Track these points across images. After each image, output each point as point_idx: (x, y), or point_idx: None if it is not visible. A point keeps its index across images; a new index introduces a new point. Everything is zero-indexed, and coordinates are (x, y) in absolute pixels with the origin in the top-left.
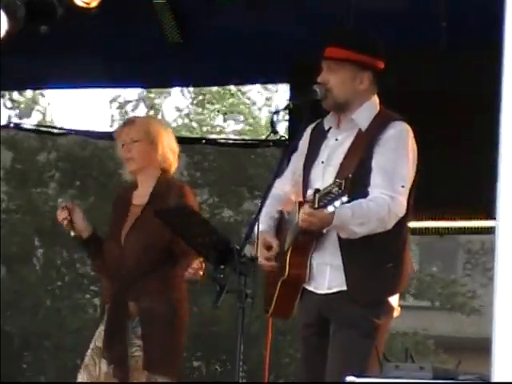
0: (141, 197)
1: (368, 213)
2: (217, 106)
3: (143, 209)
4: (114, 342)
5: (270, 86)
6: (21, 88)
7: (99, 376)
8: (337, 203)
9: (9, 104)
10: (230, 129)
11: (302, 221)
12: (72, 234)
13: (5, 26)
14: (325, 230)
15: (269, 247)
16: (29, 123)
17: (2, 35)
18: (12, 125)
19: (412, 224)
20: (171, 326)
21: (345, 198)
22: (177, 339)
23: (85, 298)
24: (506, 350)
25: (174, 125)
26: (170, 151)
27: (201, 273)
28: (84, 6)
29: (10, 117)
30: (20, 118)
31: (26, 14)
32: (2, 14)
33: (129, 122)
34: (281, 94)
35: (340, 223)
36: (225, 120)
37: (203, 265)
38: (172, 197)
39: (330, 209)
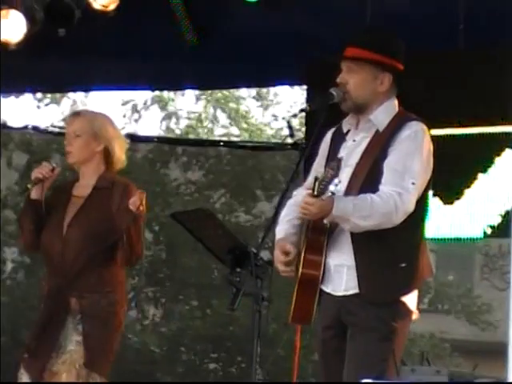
0: (82, 188)
1: (371, 207)
2: (230, 108)
3: (85, 200)
4: (43, 338)
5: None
6: (51, 91)
7: None
8: (331, 187)
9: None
10: (238, 133)
11: (302, 209)
12: (32, 191)
13: (23, 29)
14: (326, 221)
15: (286, 252)
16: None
17: (20, 38)
18: (30, 126)
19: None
20: (109, 326)
21: (336, 180)
22: (113, 339)
23: None
24: None
25: (186, 126)
26: (116, 147)
27: (142, 208)
28: (102, 9)
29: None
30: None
31: (44, 17)
32: (20, 16)
33: (74, 115)
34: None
35: (341, 214)
36: (236, 123)
37: (143, 199)
38: (115, 192)
39: (327, 194)
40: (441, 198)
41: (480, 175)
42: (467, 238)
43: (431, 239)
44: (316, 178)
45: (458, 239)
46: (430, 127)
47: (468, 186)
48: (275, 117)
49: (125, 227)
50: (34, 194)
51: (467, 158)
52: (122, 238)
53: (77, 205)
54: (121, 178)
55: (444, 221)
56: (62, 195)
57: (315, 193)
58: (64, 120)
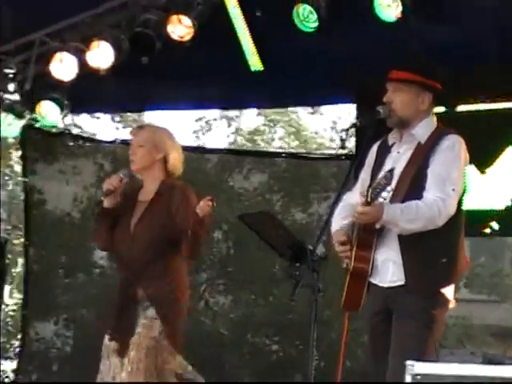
0: (146, 194)
1: (417, 212)
2: (286, 122)
3: (148, 204)
4: (121, 322)
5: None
6: (134, 110)
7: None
8: (384, 194)
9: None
10: (294, 144)
11: (356, 218)
12: (104, 201)
13: (111, 58)
14: (378, 225)
15: (342, 243)
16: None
17: (107, 65)
18: (118, 140)
19: None
20: (176, 308)
21: (389, 188)
22: (177, 322)
23: None
24: None
25: (249, 139)
26: (173, 157)
27: (209, 210)
28: (179, 39)
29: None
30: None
31: (129, 47)
32: (109, 46)
33: (138, 128)
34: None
35: (390, 219)
36: (292, 135)
37: (212, 203)
38: (175, 195)
39: (380, 200)
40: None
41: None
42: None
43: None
44: (369, 186)
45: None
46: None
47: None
48: (325, 129)
49: (190, 227)
50: (107, 203)
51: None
52: (186, 235)
53: (141, 208)
54: (180, 183)
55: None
56: (130, 201)
57: (368, 199)
58: (130, 132)
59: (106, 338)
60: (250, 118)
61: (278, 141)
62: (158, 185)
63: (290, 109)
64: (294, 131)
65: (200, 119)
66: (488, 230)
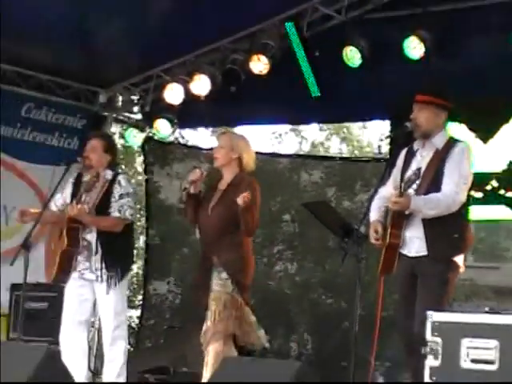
0: (223, 184)
1: (437, 202)
2: (340, 132)
3: (222, 192)
4: (202, 280)
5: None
6: (226, 125)
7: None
8: (414, 186)
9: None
10: (345, 150)
11: (391, 206)
12: (191, 189)
13: (208, 87)
14: (407, 212)
15: (376, 231)
16: None
17: (206, 93)
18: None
19: None
20: (243, 271)
21: (418, 181)
22: (246, 281)
23: None
24: None
25: (312, 146)
26: (246, 156)
27: (247, 200)
28: (258, 73)
29: None
30: None
31: (221, 79)
32: (206, 79)
33: (221, 134)
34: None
35: (415, 207)
36: (345, 143)
37: (248, 196)
38: (242, 187)
39: (410, 191)
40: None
41: None
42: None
43: None
44: (401, 181)
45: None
46: None
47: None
48: (369, 139)
49: (239, 213)
50: (192, 189)
51: None
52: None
53: (218, 195)
54: (248, 177)
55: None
56: (211, 189)
57: (402, 190)
58: (216, 137)
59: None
60: (313, 131)
61: (334, 148)
62: (232, 177)
63: (343, 124)
64: (347, 141)
65: (274, 132)
66: (489, 187)
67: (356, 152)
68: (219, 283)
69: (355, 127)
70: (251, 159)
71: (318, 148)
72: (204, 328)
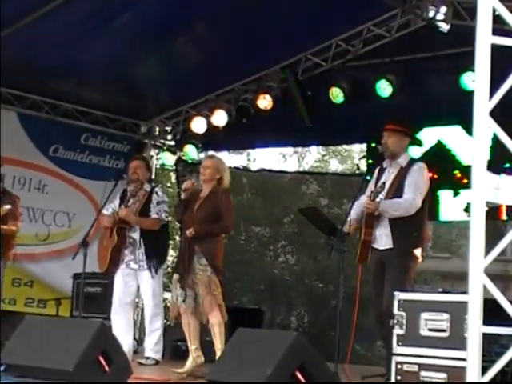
0: (204, 193)
1: (399, 205)
2: (331, 155)
3: (204, 199)
4: (184, 265)
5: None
6: (239, 149)
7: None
8: (380, 196)
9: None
10: (338, 168)
11: (365, 207)
12: (183, 195)
13: (225, 119)
14: (376, 213)
15: (351, 224)
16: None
17: (223, 124)
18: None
19: None
20: (217, 257)
21: (383, 192)
22: (219, 266)
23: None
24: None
25: (312, 166)
26: (225, 177)
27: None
28: (264, 108)
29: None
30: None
31: (235, 113)
32: (224, 113)
33: (207, 157)
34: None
35: (384, 209)
36: (339, 161)
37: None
38: (220, 194)
39: (377, 199)
40: None
41: None
42: None
43: None
44: (371, 192)
45: None
46: None
47: None
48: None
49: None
50: (184, 196)
51: None
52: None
53: (201, 200)
54: (223, 188)
55: None
56: (195, 196)
57: (372, 199)
58: (204, 158)
59: (175, 276)
60: (312, 152)
61: (332, 165)
62: (211, 188)
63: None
64: (340, 160)
65: (280, 153)
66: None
67: (349, 169)
68: (200, 268)
69: (344, 150)
70: (227, 178)
71: (317, 166)
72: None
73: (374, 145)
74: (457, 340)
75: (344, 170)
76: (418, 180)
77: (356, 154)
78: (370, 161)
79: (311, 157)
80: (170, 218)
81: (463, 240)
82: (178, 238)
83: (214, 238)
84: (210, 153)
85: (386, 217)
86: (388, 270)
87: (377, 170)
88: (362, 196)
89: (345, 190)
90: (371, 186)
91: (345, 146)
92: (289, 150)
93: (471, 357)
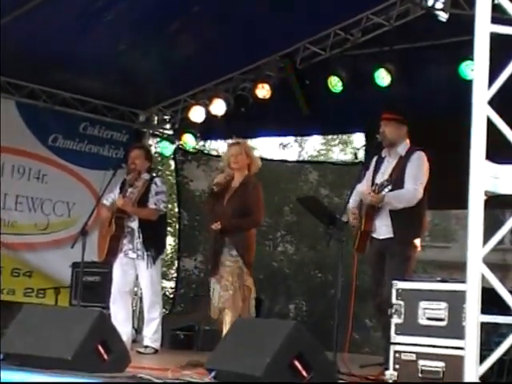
0: (235, 183)
1: (403, 196)
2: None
3: (235, 190)
4: (215, 256)
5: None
6: (238, 138)
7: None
8: (386, 189)
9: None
10: (336, 157)
11: (370, 200)
12: (215, 188)
13: (223, 108)
14: (380, 205)
15: (354, 213)
16: None
17: (222, 113)
18: None
19: None
20: (248, 250)
21: (389, 187)
22: (250, 256)
23: None
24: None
25: (311, 155)
26: (253, 162)
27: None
28: (262, 97)
29: None
30: None
31: (234, 102)
32: (222, 102)
33: (235, 144)
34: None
35: (387, 202)
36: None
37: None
38: (250, 186)
39: (383, 193)
40: None
41: None
42: None
43: None
44: (376, 184)
45: None
46: None
47: None
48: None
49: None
50: (216, 189)
51: None
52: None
53: (231, 191)
54: (254, 180)
55: None
56: (226, 187)
57: (376, 192)
58: (228, 145)
59: (212, 276)
60: (312, 141)
61: (331, 154)
62: (242, 178)
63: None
64: (340, 148)
65: (281, 143)
66: None
67: (349, 157)
68: (230, 259)
69: (346, 138)
70: (257, 163)
71: (318, 155)
72: (216, 295)
73: (373, 135)
74: (455, 329)
75: (344, 159)
76: (419, 169)
77: (356, 143)
78: (369, 150)
79: (311, 146)
80: (166, 209)
81: (462, 230)
82: (177, 226)
83: (245, 231)
84: (233, 140)
85: (386, 208)
86: (388, 259)
87: (375, 160)
88: (358, 185)
89: (345, 179)
90: (369, 176)
91: (345, 136)
92: (289, 139)
93: (469, 346)
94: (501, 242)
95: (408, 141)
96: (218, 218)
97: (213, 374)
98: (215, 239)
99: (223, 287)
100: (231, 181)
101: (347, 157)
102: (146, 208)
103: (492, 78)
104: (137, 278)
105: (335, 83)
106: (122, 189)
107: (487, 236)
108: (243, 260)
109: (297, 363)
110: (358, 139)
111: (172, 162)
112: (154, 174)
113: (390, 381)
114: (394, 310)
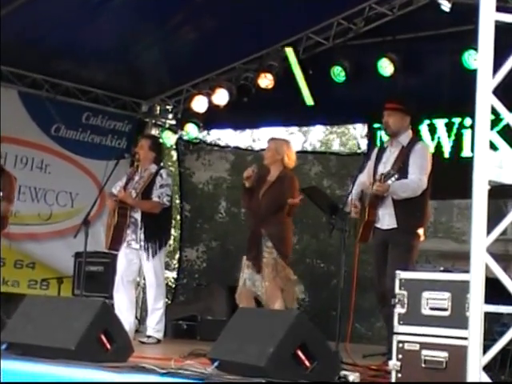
0: (271, 177)
1: (407, 186)
2: (337, 134)
3: (271, 184)
4: (253, 249)
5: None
6: (241, 128)
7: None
8: (392, 179)
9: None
10: (338, 148)
11: (375, 190)
12: (246, 184)
13: (226, 98)
14: (385, 195)
15: (355, 206)
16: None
17: (224, 103)
18: (231, 147)
19: None
20: (283, 241)
21: (396, 176)
22: (287, 247)
23: None
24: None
25: (315, 145)
26: (287, 157)
27: (294, 202)
28: (265, 87)
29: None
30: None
31: (236, 92)
32: (225, 92)
33: (269, 139)
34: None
35: (393, 191)
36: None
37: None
38: (286, 180)
39: (388, 182)
40: None
41: None
42: None
43: None
44: (381, 174)
45: None
46: None
47: None
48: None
49: (289, 203)
50: (247, 184)
51: None
52: (287, 205)
53: (267, 185)
54: (290, 173)
55: None
56: (262, 180)
57: (382, 181)
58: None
59: (244, 258)
60: (316, 131)
61: (335, 145)
62: (278, 172)
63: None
64: (342, 139)
65: (289, 132)
66: None
67: (352, 148)
68: (266, 250)
69: (345, 129)
70: (291, 159)
71: (321, 145)
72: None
73: (375, 126)
74: (458, 319)
75: (347, 150)
76: (422, 160)
77: (358, 134)
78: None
79: (314, 137)
80: (170, 202)
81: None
82: (178, 217)
83: (282, 222)
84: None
85: (390, 197)
86: (392, 249)
87: (376, 149)
88: (360, 175)
89: (349, 170)
90: (370, 166)
91: (348, 126)
92: (292, 129)
93: (473, 335)
94: (503, 232)
95: (410, 131)
96: (256, 212)
97: (216, 363)
98: (253, 231)
99: (263, 278)
100: (267, 175)
101: (350, 147)
102: (148, 201)
103: (495, 67)
104: (141, 267)
105: (338, 73)
106: (128, 180)
107: (490, 226)
108: (278, 251)
109: (300, 353)
110: (362, 129)
111: (174, 153)
112: (161, 166)
113: (393, 371)
114: (397, 300)
